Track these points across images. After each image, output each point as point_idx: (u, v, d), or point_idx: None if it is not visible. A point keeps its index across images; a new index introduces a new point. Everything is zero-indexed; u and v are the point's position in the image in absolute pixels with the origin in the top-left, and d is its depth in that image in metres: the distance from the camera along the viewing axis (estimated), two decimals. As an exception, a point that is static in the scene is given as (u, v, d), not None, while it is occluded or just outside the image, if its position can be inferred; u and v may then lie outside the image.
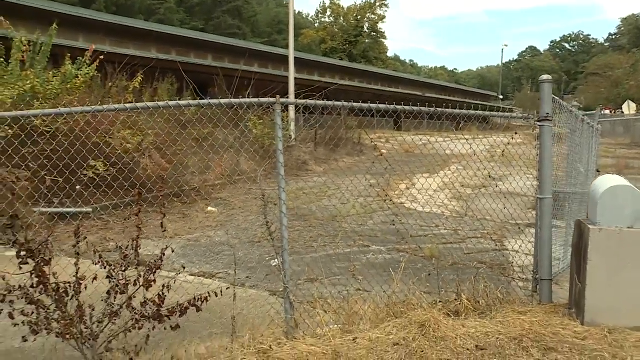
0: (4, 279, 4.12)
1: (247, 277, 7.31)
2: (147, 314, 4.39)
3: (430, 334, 4.85)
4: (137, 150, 11.87)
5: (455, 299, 5.53)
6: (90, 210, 10.27)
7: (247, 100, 5.93)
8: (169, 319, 4.43)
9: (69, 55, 13.59)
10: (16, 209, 4.18)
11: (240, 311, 5.52)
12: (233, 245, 9.12)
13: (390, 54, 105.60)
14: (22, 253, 4.08)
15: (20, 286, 4.13)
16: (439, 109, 6.14)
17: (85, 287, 4.31)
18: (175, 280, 4.86)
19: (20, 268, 4.10)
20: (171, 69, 21.79)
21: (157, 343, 4.52)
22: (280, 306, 5.58)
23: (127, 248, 4.53)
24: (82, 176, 10.20)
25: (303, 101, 6.01)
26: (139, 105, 4.62)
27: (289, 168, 16.35)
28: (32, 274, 4.13)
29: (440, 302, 5.51)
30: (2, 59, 12.28)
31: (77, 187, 10.46)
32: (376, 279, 6.71)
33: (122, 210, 10.54)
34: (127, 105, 4.72)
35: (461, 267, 7.42)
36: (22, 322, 4.10)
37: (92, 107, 4.73)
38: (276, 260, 8.05)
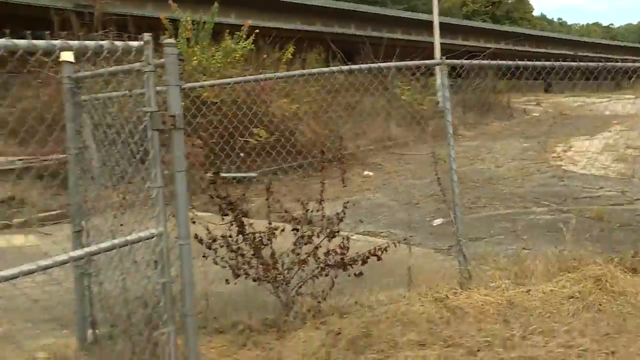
0: (208, 230, 4.64)
1: (411, 235, 7.54)
2: (331, 263, 4.77)
3: (607, 289, 4.82)
4: (294, 118, 12.46)
5: (632, 256, 5.42)
6: (256, 175, 10.98)
7: (412, 62, 6.09)
8: (352, 267, 4.78)
9: (228, 31, 14.46)
10: (217, 169, 4.69)
11: (412, 265, 5.77)
12: (391, 206, 9.41)
13: (536, 13, 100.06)
14: (224, 206, 4.58)
15: (222, 236, 4.64)
16: (597, 63, 5.96)
17: (275, 238, 4.75)
18: (352, 235, 5.21)
19: (222, 219, 4.61)
20: (317, 40, 22.33)
21: (340, 290, 4.88)
22: (449, 262, 5.78)
23: (307, 203, 4.96)
24: (245, 143, 10.92)
25: (468, 62, 6.09)
26: (327, 69, 4.96)
27: (438, 133, 16.30)
28: (231, 224, 4.63)
29: (615, 258, 5.43)
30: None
31: (241, 153, 11.23)
32: (541, 238, 6.70)
33: (283, 175, 11.17)
34: (314, 70, 5.07)
35: (634, 227, 7.18)
36: (227, 266, 4.63)
37: (275, 74, 5.15)
38: (437, 220, 8.25)
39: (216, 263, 4.67)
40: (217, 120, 9.51)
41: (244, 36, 14.52)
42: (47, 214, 10.13)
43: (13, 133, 11.29)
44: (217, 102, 10.67)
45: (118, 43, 2.75)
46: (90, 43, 2.63)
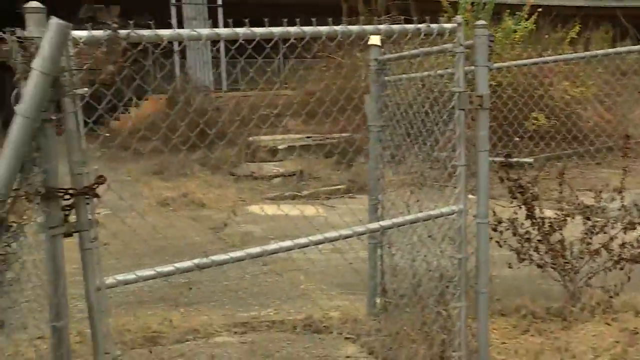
0: (494, 212, 4.62)
1: None
2: (627, 256, 4.44)
3: None
4: (578, 102, 11.72)
5: None
6: (532, 161, 10.59)
7: None
8: (651, 263, 4.41)
9: (507, 11, 14.07)
10: (508, 152, 4.65)
11: None
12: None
13: None
14: (514, 189, 4.53)
15: (508, 219, 4.59)
16: None
17: (566, 225, 4.56)
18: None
19: (511, 202, 4.57)
20: (605, 17, 20.59)
21: (635, 286, 4.53)
22: None
23: (600, 193, 4.68)
24: (521, 128, 10.57)
25: None
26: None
27: None
28: (520, 208, 4.56)
29: None
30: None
31: (517, 138, 10.91)
32: None
33: (561, 162, 10.60)
34: (621, 49, 4.74)
35: None
36: (512, 250, 4.59)
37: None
38: None
39: (500, 246, 4.64)
40: (496, 104, 9.35)
41: (525, 16, 14.01)
42: (329, 187, 10.98)
43: (298, 113, 12.44)
44: (495, 85, 10.49)
45: (433, 26, 2.87)
46: (409, 26, 2.79)
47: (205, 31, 2.35)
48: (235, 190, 10.70)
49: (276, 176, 11.87)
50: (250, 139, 13.03)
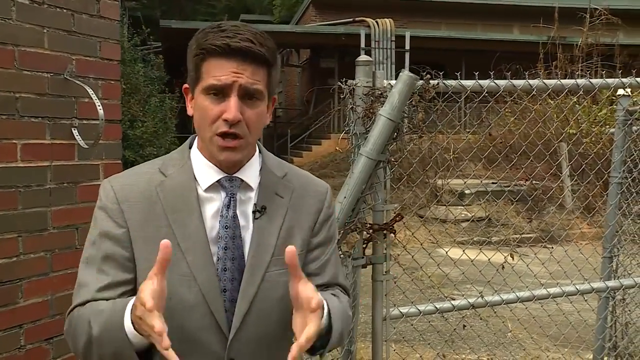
0: None
1: None
2: None
3: None
4: None
5: None
6: None
7: None
8: None
9: None
10: None
11: None
12: None
13: None
14: None
15: None
16: None
17: None
18: None
19: None
20: None
21: None
22: None
23: None
24: None
25: None
26: None
27: None
28: None
29: None
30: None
31: None
32: None
33: None
34: None
35: None
36: None
37: None
38: None
39: None
40: None
41: None
42: (519, 235, 10.66)
43: (481, 158, 12.26)
44: None
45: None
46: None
47: (502, 82, 2.49)
48: (424, 232, 10.75)
49: (464, 220, 11.78)
50: (438, 182, 13.06)
